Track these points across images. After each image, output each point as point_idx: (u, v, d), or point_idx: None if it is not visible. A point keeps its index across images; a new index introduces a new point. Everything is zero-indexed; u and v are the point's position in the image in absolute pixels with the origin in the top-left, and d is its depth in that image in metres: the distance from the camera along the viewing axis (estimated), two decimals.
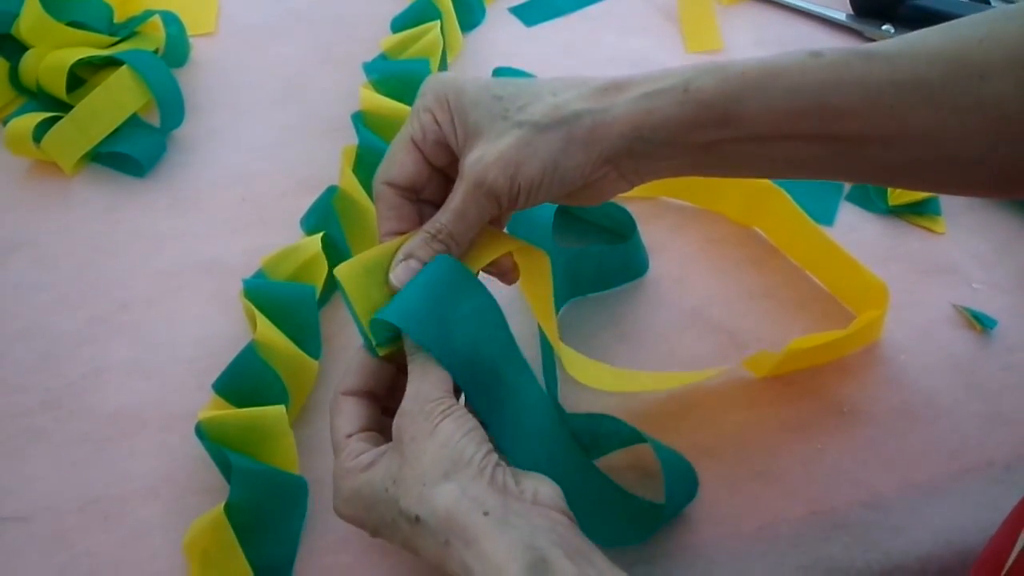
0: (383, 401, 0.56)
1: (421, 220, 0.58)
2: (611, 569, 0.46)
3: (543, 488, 0.49)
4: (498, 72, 0.89)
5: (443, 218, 0.55)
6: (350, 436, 0.52)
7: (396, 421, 0.50)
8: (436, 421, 0.49)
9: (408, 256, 0.55)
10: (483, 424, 0.51)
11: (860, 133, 0.53)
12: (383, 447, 0.51)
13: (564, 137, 0.54)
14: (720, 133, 0.54)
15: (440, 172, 0.59)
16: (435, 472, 0.47)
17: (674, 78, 0.54)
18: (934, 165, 0.54)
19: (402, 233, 0.57)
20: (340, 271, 0.55)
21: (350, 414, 0.53)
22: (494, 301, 0.56)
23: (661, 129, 0.54)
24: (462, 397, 0.54)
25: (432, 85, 0.57)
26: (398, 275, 0.55)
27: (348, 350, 0.55)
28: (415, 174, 0.57)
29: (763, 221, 0.78)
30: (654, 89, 0.54)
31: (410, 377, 0.52)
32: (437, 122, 0.56)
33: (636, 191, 0.76)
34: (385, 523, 0.49)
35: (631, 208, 0.76)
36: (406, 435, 0.49)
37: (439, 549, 0.46)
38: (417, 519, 0.47)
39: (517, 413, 0.56)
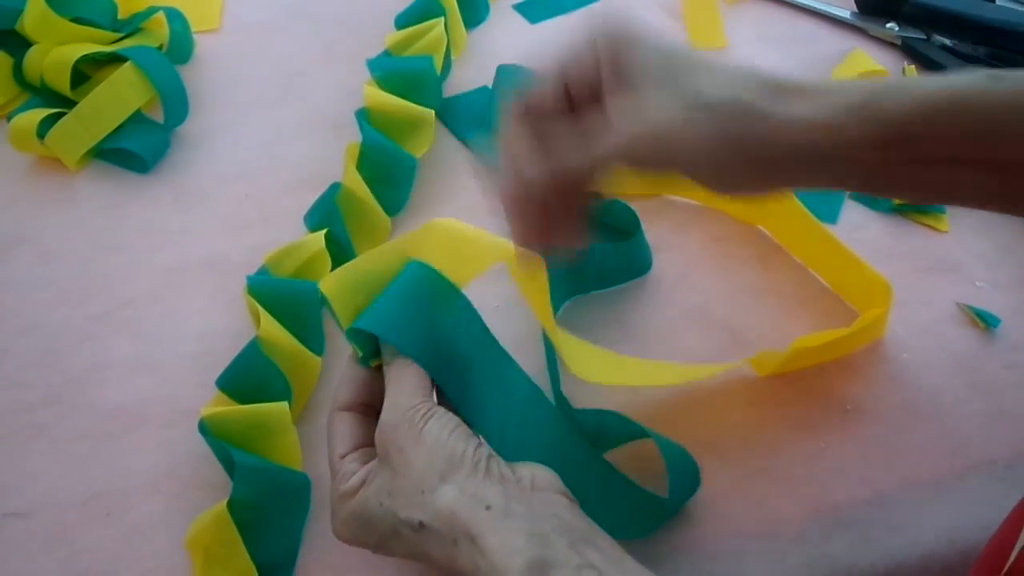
0: (379, 409, 0.56)
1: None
2: (614, 549, 0.46)
3: (539, 473, 0.50)
4: (502, 70, 0.89)
5: (570, 159, 0.51)
6: (343, 457, 0.52)
7: (377, 436, 0.50)
8: (419, 427, 0.49)
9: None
10: (465, 421, 0.51)
11: None
12: (371, 464, 0.51)
13: (734, 130, 0.48)
14: (893, 154, 0.49)
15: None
16: (431, 476, 0.47)
17: (857, 93, 0.49)
18: None
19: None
20: (325, 285, 0.55)
21: (343, 433, 0.54)
22: (468, 301, 0.56)
23: (841, 146, 0.49)
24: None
25: (606, 21, 0.52)
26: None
27: (350, 349, 0.55)
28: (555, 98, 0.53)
29: (767, 219, 0.78)
30: (838, 103, 0.48)
31: (387, 388, 0.52)
32: (597, 59, 0.51)
33: (639, 188, 0.77)
34: (385, 537, 0.49)
35: (634, 206, 0.76)
36: (392, 447, 0.49)
37: (448, 550, 0.46)
38: (421, 525, 0.47)
39: (503, 407, 0.56)
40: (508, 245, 0.58)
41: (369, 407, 0.55)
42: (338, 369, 0.67)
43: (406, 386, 0.51)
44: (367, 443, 0.53)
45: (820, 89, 0.49)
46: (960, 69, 0.49)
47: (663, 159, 0.49)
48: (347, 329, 0.55)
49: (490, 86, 0.90)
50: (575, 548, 0.44)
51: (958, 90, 0.48)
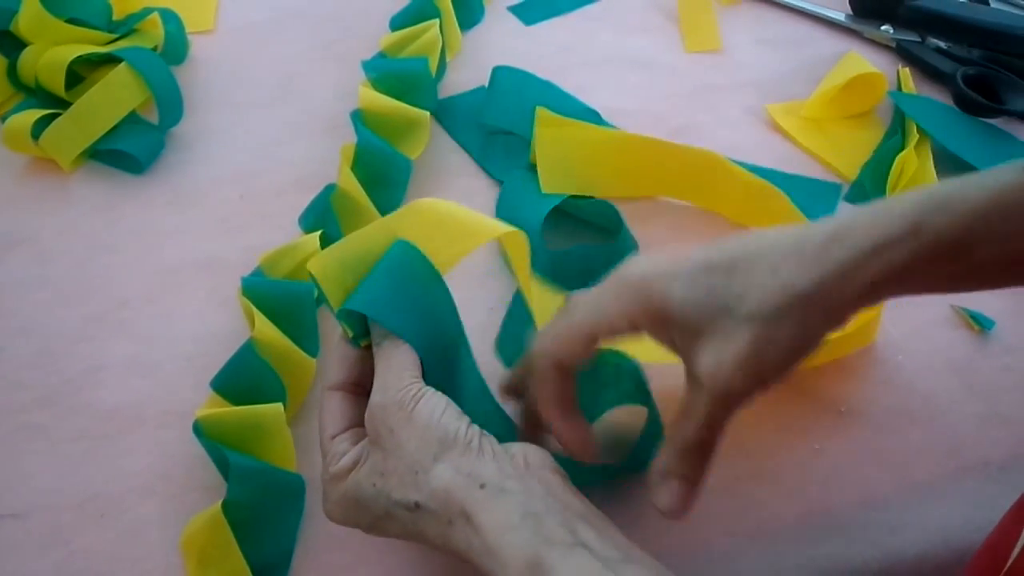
0: (370, 389, 0.56)
1: None
2: (606, 526, 0.46)
3: (531, 451, 0.50)
4: (497, 71, 0.89)
5: (690, 431, 0.52)
6: (334, 437, 0.52)
7: (367, 419, 0.50)
8: (410, 408, 0.49)
9: (668, 475, 0.53)
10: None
11: None
12: (361, 444, 0.51)
13: (800, 323, 0.49)
14: (948, 268, 0.49)
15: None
16: (425, 457, 0.47)
17: (902, 222, 0.47)
18: None
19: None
20: (313, 265, 0.55)
21: (334, 413, 0.54)
22: (446, 286, 0.56)
23: (894, 280, 0.48)
24: None
25: (628, 290, 0.53)
26: (663, 501, 0.53)
27: None
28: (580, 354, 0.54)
29: (761, 222, 0.78)
30: (883, 238, 0.47)
31: (376, 370, 0.52)
32: (636, 326, 0.53)
33: (636, 189, 0.77)
34: (378, 517, 0.49)
35: (628, 207, 0.77)
36: (383, 429, 0.49)
37: (443, 529, 0.46)
38: (417, 505, 0.47)
39: (471, 393, 0.57)
40: (495, 224, 0.58)
41: (359, 387, 0.55)
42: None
43: (395, 367, 0.51)
44: (357, 423, 0.53)
45: (865, 224, 0.48)
46: (996, 167, 0.48)
47: (763, 382, 0.50)
48: (337, 310, 0.55)
49: (486, 86, 0.90)
50: (567, 526, 0.44)
51: (1005, 195, 0.47)
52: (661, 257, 0.52)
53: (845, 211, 0.83)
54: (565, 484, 0.49)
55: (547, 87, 0.87)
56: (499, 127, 0.84)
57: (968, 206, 0.47)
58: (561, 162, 0.77)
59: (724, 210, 0.80)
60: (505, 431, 0.59)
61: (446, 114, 0.88)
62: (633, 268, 0.53)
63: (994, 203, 0.46)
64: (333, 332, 0.67)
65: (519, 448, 0.50)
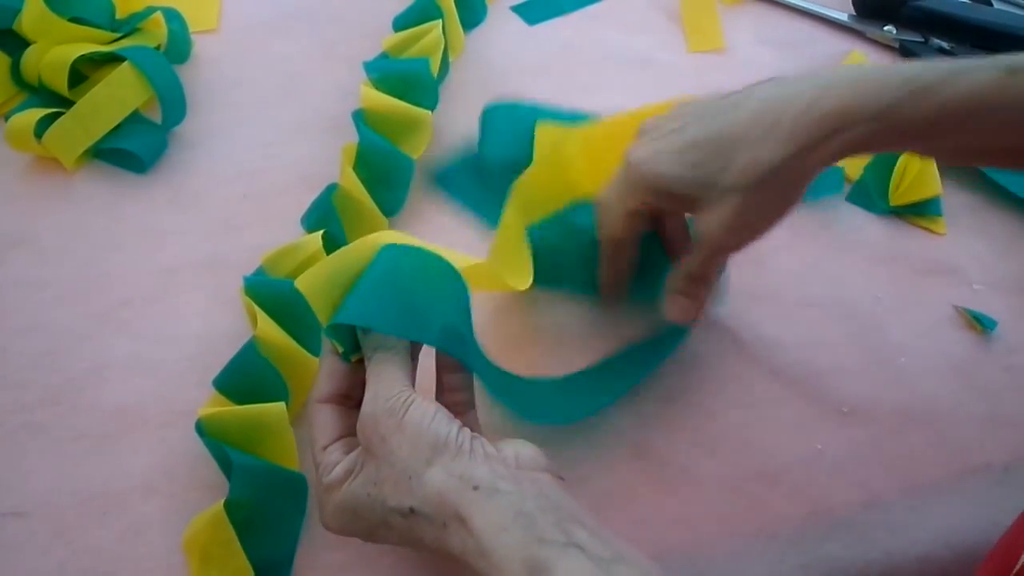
0: (358, 402, 0.56)
1: None
2: (599, 527, 0.46)
3: (524, 451, 0.50)
4: (487, 111, 0.87)
5: (694, 266, 0.64)
6: (325, 448, 0.53)
7: (359, 429, 0.50)
8: (400, 415, 0.49)
9: (676, 292, 0.65)
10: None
11: None
12: (355, 453, 0.51)
13: (775, 190, 0.58)
14: (909, 146, 0.60)
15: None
16: (417, 462, 0.47)
17: (875, 105, 0.54)
18: None
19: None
20: (301, 282, 0.55)
21: (325, 424, 0.54)
22: (449, 265, 0.57)
23: (859, 150, 0.56)
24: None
25: (632, 175, 0.63)
26: (672, 312, 0.66)
27: None
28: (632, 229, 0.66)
29: None
30: (853, 118, 0.54)
31: (368, 381, 0.52)
32: (651, 201, 0.63)
33: None
34: (375, 526, 0.50)
35: None
36: (375, 438, 0.49)
37: (438, 533, 0.46)
38: (411, 511, 0.47)
39: (480, 372, 0.58)
40: (459, 257, 0.59)
41: (349, 399, 0.55)
42: None
43: (385, 378, 0.51)
44: (348, 433, 0.53)
45: (830, 103, 0.55)
46: (973, 58, 0.53)
47: (751, 240, 0.62)
48: (325, 327, 0.55)
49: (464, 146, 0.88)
50: (560, 526, 0.44)
51: (972, 95, 0.52)
52: (656, 135, 0.62)
53: (848, 211, 0.83)
54: (556, 484, 0.49)
55: (537, 110, 0.86)
56: (498, 161, 0.82)
57: (940, 99, 0.52)
58: (563, 169, 0.77)
59: None
60: (517, 403, 0.60)
61: (449, 181, 0.85)
62: (632, 155, 0.63)
63: (965, 103, 0.52)
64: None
65: (511, 448, 0.50)
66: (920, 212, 0.83)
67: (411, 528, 0.48)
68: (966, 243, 0.81)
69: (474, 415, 0.57)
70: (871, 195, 0.84)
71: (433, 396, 0.56)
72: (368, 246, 0.57)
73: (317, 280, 0.56)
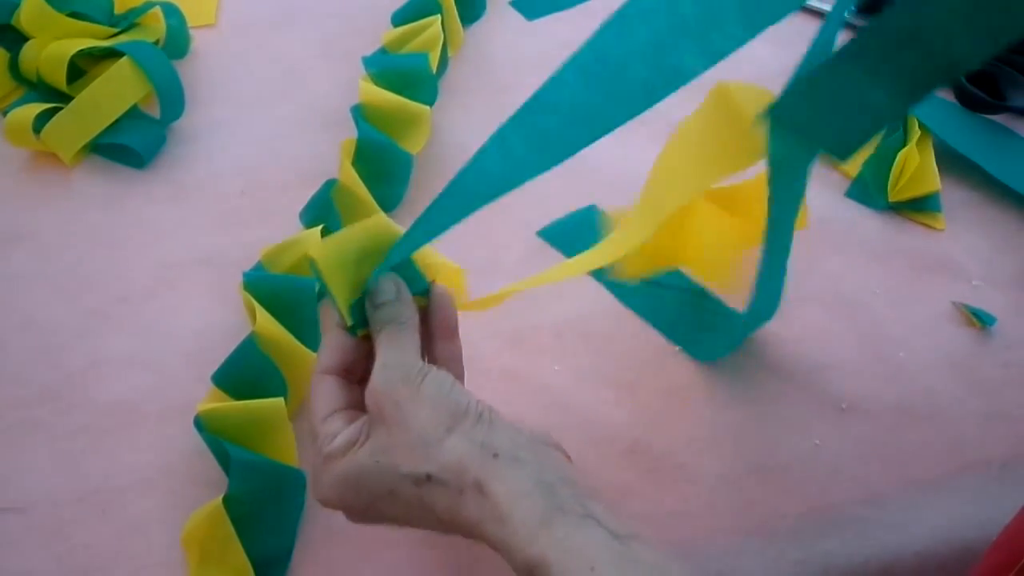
0: (360, 377, 0.55)
1: None
2: (609, 505, 0.46)
3: (537, 429, 0.50)
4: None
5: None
6: (325, 418, 0.52)
7: (368, 396, 0.50)
8: (418, 382, 0.49)
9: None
10: None
11: None
12: (358, 423, 0.50)
13: None
14: None
15: None
16: (436, 429, 0.47)
17: None
18: None
19: None
20: (315, 251, 0.55)
21: (326, 395, 0.53)
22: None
23: None
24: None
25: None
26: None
27: None
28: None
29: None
30: None
31: (378, 351, 0.51)
32: None
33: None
34: (379, 496, 0.49)
35: None
36: (387, 404, 0.48)
37: (453, 501, 0.46)
38: (428, 477, 0.47)
39: None
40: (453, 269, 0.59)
41: (351, 373, 0.55)
42: None
43: (398, 347, 0.51)
44: (349, 406, 0.53)
45: None
46: None
47: None
48: (350, 303, 0.54)
49: None
50: (578, 499, 0.45)
51: None
52: None
53: (846, 206, 0.82)
54: (570, 463, 0.49)
55: None
56: None
57: None
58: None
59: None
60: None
61: None
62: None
63: None
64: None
65: (524, 426, 0.50)
66: (919, 208, 0.83)
67: (422, 496, 0.47)
68: (965, 239, 0.81)
69: (459, 343, 0.57)
70: (870, 191, 0.84)
71: None
72: (386, 225, 0.57)
73: (332, 252, 0.55)
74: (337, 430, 0.51)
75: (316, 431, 0.52)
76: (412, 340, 0.52)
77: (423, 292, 0.56)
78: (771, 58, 0.98)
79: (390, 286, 0.54)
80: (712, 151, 0.62)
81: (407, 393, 0.48)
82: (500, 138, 0.53)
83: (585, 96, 0.54)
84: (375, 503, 0.49)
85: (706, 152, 0.62)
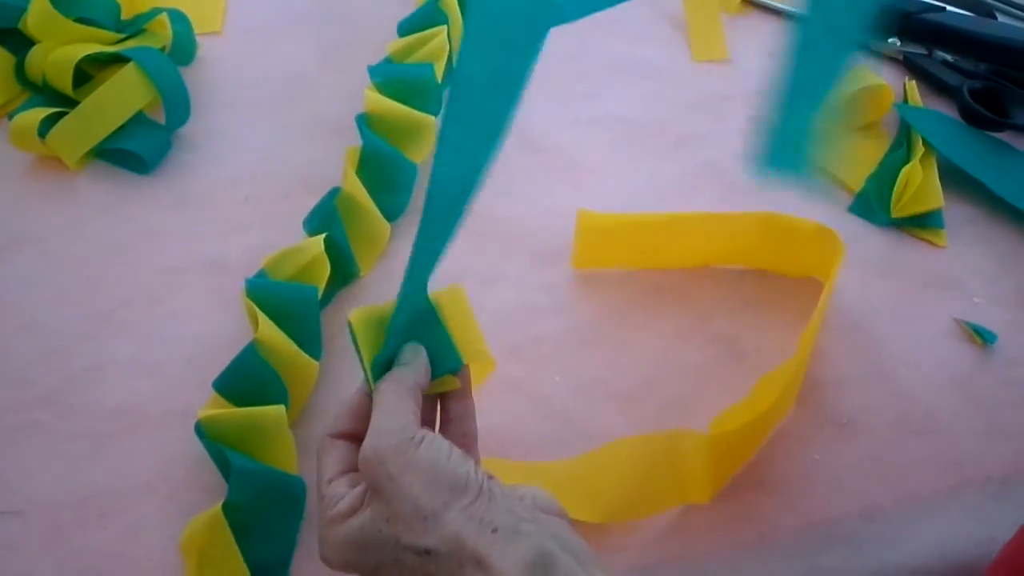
0: None
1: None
2: (612, 573, 0.46)
3: (539, 493, 0.50)
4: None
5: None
6: (331, 481, 0.51)
7: (362, 466, 0.49)
8: (411, 453, 0.47)
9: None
10: None
11: None
12: (361, 486, 0.50)
13: None
14: None
15: None
16: (433, 502, 0.46)
17: None
18: None
19: None
20: (353, 317, 0.55)
21: (332, 457, 0.52)
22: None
23: None
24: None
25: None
26: None
27: (349, 351, 0.55)
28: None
29: (820, 271, 0.77)
30: None
31: (372, 412, 0.50)
32: None
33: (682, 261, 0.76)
34: (384, 564, 0.48)
35: (679, 275, 0.77)
36: (381, 477, 0.47)
37: (453, 573, 0.45)
38: (427, 551, 0.46)
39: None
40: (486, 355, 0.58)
41: (360, 438, 0.53)
42: (336, 373, 0.68)
43: (389, 409, 0.50)
44: (355, 468, 0.51)
45: None
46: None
47: None
48: (372, 361, 0.54)
49: None
50: (582, 566, 0.44)
51: None
52: None
53: (849, 222, 0.82)
54: (572, 529, 0.48)
55: None
56: None
57: None
58: (598, 246, 0.77)
59: (781, 267, 0.78)
60: None
61: None
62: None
63: None
64: (336, 335, 0.68)
65: (526, 490, 0.49)
66: (921, 224, 0.83)
67: (424, 567, 0.47)
68: (967, 256, 0.81)
69: (477, 452, 0.56)
70: (873, 207, 0.84)
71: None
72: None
73: (369, 319, 0.55)
74: (342, 493, 0.50)
75: (322, 493, 0.51)
76: (404, 399, 0.51)
77: (454, 370, 0.55)
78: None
79: (408, 352, 0.54)
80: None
81: (400, 464, 0.47)
82: (443, 137, 0.53)
83: (488, 60, 0.54)
84: (381, 568, 0.49)
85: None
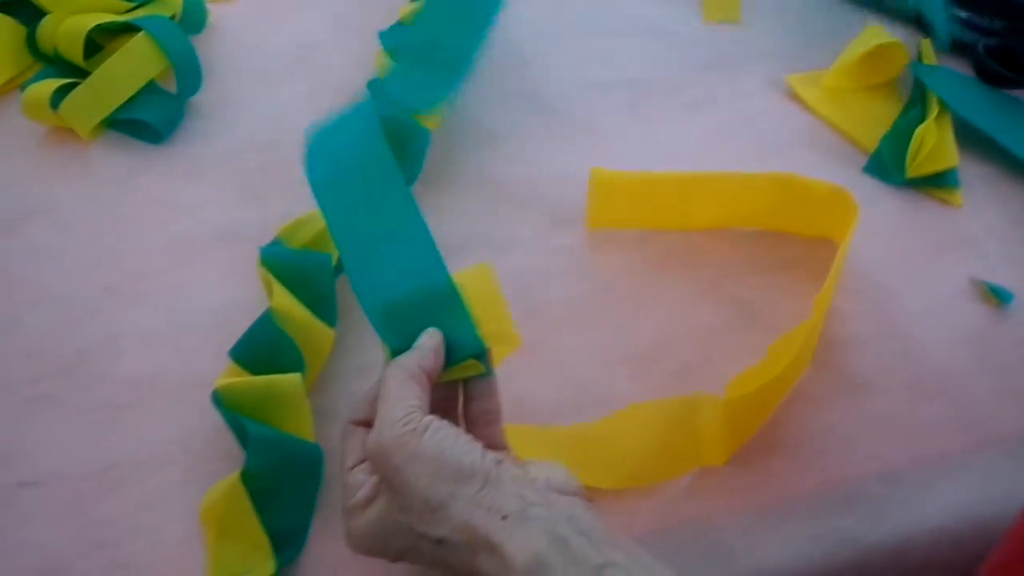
0: None
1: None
2: (635, 548, 0.46)
3: (555, 475, 0.50)
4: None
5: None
6: (351, 469, 0.51)
7: (370, 458, 0.49)
8: (414, 444, 0.47)
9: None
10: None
11: None
12: (376, 477, 0.50)
13: None
14: None
15: None
16: (440, 492, 0.46)
17: None
18: None
19: None
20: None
21: (354, 444, 0.52)
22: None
23: None
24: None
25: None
26: None
27: (364, 320, 0.55)
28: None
29: (834, 233, 0.77)
30: None
31: (378, 403, 0.50)
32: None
33: (699, 222, 0.76)
34: (405, 550, 0.49)
35: (695, 237, 0.77)
36: (388, 468, 0.48)
37: (469, 560, 0.46)
38: (440, 541, 0.46)
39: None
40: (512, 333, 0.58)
41: None
42: (351, 341, 0.68)
43: (391, 400, 0.50)
44: None
45: None
46: None
47: None
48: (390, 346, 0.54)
49: None
50: (596, 547, 0.44)
51: None
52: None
53: (863, 182, 0.82)
54: (589, 508, 0.48)
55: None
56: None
57: None
58: (611, 205, 0.77)
59: (795, 228, 0.78)
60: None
61: None
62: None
63: None
64: (351, 303, 0.68)
65: (541, 471, 0.49)
66: (937, 184, 0.82)
67: (441, 555, 0.47)
68: (983, 215, 0.80)
69: (501, 428, 0.56)
70: (887, 167, 0.83)
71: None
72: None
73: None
74: (361, 481, 0.50)
75: (344, 481, 0.52)
76: (407, 386, 0.50)
77: (478, 355, 0.55)
78: (789, 31, 0.97)
79: (423, 337, 0.54)
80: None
81: (404, 455, 0.47)
82: None
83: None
84: (403, 555, 0.50)
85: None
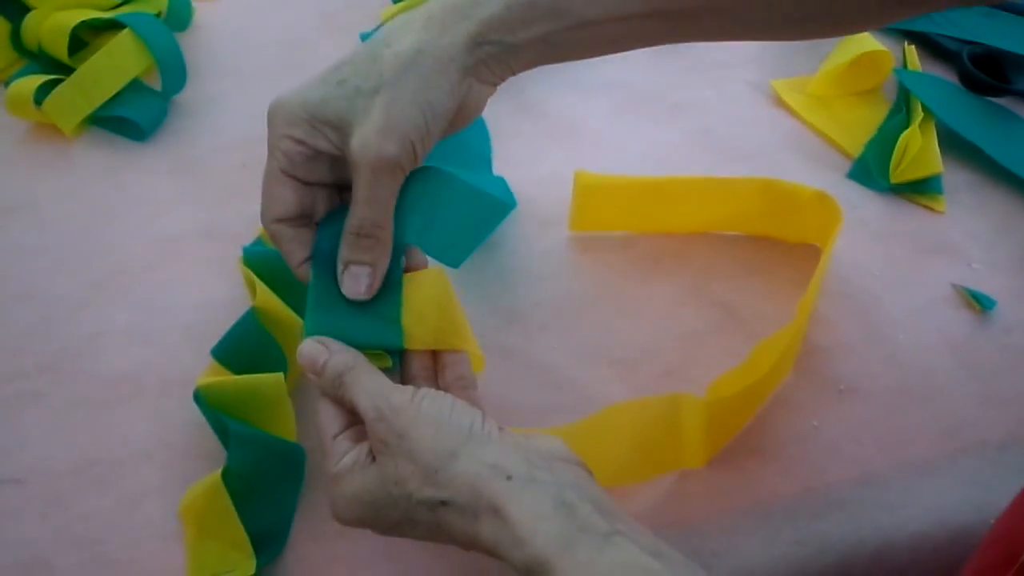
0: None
1: None
2: (635, 523, 0.46)
3: (554, 445, 0.49)
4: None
5: (358, 212, 0.55)
6: (335, 436, 0.51)
7: (370, 433, 0.49)
8: (414, 409, 0.48)
9: (347, 263, 0.56)
10: None
11: (693, 5, 0.57)
12: (364, 444, 0.50)
13: (419, 75, 0.54)
14: (553, 24, 0.55)
15: (321, 187, 0.59)
16: (442, 455, 0.46)
17: None
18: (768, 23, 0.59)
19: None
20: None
21: (332, 413, 0.52)
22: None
23: (497, 32, 0.55)
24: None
25: (276, 111, 0.58)
26: (348, 287, 0.56)
27: None
28: (298, 202, 0.57)
29: (820, 238, 0.77)
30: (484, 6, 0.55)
31: (353, 390, 0.51)
32: (300, 140, 0.56)
33: (680, 226, 0.75)
34: (398, 521, 0.49)
35: (676, 241, 0.77)
36: (390, 436, 0.48)
37: (470, 525, 0.45)
38: (443, 503, 0.46)
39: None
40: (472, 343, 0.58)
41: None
42: None
43: (371, 386, 0.50)
44: (357, 421, 0.52)
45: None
46: None
47: (407, 142, 0.55)
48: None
49: None
50: (602, 515, 0.44)
51: None
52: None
53: (847, 188, 0.82)
54: (591, 478, 0.48)
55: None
56: None
57: None
58: (595, 208, 0.77)
59: (780, 233, 0.78)
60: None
61: None
62: (274, 100, 0.59)
63: None
64: None
65: (543, 441, 0.49)
66: (920, 190, 0.82)
67: (439, 522, 0.47)
68: (966, 221, 0.81)
69: (476, 393, 0.56)
70: (871, 172, 0.83)
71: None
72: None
73: None
74: (346, 449, 0.50)
75: (326, 449, 0.51)
76: (374, 372, 0.52)
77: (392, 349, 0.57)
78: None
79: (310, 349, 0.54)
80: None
81: (406, 420, 0.48)
82: None
83: None
84: (395, 526, 0.49)
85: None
